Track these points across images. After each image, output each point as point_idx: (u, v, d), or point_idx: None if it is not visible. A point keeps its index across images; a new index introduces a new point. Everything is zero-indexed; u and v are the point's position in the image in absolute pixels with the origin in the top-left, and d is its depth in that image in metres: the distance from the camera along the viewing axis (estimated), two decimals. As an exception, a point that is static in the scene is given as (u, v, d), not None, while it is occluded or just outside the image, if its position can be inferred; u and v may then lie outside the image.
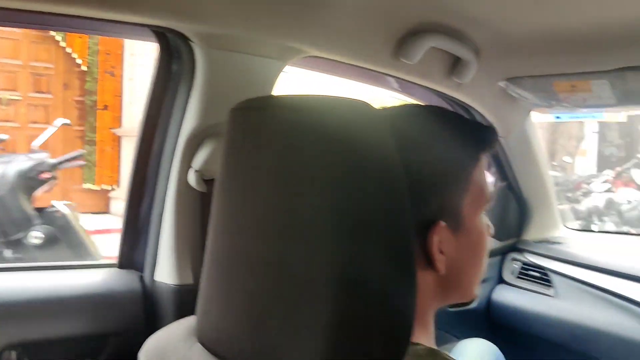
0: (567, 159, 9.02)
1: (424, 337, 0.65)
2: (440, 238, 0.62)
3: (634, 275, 1.61)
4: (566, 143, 10.35)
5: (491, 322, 1.83)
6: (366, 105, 0.51)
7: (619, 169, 7.06)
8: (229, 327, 0.54)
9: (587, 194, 6.20)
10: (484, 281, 1.83)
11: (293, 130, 0.50)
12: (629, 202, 5.85)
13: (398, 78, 1.24)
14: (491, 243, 1.92)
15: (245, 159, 0.55)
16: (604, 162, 9.57)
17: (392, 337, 0.48)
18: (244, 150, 0.55)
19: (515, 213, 1.95)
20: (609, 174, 6.88)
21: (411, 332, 0.50)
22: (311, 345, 0.46)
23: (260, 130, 0.54)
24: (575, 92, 1.34)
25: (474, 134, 0.68)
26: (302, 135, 0.50)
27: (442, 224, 0.61)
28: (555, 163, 8.97)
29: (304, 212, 0.48)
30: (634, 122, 9.64)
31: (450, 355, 0.63)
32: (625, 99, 1.33)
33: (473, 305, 1.78)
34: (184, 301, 0.93)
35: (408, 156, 0.59)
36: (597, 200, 5.80)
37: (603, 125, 10.07)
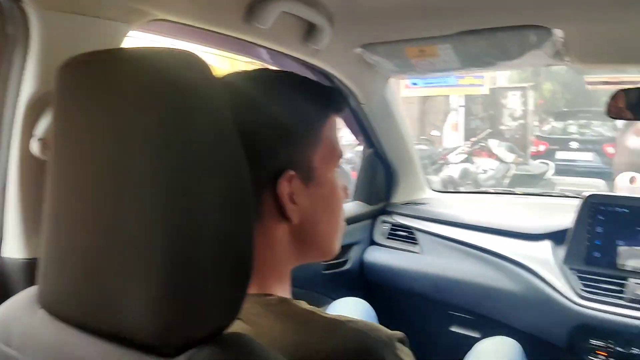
0: (435, 132, 9.64)
1: (280, 290, 0.69)
2: (292, 188, 0.67)
3: (487, 227, 1.80)
4: (434, 117, 11.07)
5: (365, 282, 1.95)
6: (198, 58, 0.51)
7: (473, 139, 7.65)
8: (67, 289, 0.55)
9: (447, 165, 6.63)
10: (357, 244, 1.94)
11: (121, 84, 0.50)
12: (485, 171, 6.38)
13: (253, 43, 1.26)
14: (362, 207, 2.04)
15: (75, 116, 0.54)
16: (470, 135, 10.36)
17: (228, 284, 0.50)
18: (73, 108, 0.55)
19: (383, 178, 2.08)
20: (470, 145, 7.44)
21: (248, 280, 0.52)
22: (145, 296, 0.47)
23: (88, 86, 0.53)
24: (424, 57, 1.45)
25: (321, 95, 0.74)
26: (131, 88, 0.49)
27: (291, 172, 0.66)
28: (424, 137, 9.54)
29: (136, 167, 0.49)
30: (495, 95, 10.51)
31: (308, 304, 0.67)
32: (468, 62, 1.47)
33: (346, 267, 1.89)
34: (35, 274, 0.90)
35: (251, 112, 0.64)
36: (453, 170, 6.22)
37: (469, 99, 10.87)
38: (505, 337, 1.46)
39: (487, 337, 1.47)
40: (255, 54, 1.46)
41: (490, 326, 1.63)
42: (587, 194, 1.60)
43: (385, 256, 1.95)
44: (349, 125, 1.93)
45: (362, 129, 1.90)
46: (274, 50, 1.33)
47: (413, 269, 1.86)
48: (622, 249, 1.50)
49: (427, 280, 1.83)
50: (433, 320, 1.87)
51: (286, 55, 1.40)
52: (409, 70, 1.56)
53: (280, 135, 0.67)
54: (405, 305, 1.88)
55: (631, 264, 1.47)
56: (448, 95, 11.01)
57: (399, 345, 0.65)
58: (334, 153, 0.73)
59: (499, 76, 13.85)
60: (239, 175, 0.51)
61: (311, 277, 1.74)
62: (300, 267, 0.73)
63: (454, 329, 1.86)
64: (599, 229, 1.55)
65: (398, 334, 0.67)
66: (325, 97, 0.74)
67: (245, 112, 0.64)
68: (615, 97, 1.39)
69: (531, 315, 1.60)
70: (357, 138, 2.01)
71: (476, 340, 1.47)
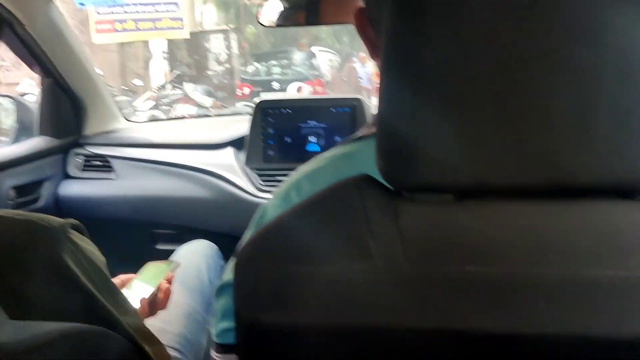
0: (137, 81, 9.40)
1: None
2: None
3: (178, 144, 1.96)
4: (135, 66, 10.79)
5: (62, 217, 1.93)
6: None
7: (159, 85, 7.74)
8: None
9: (134, 113, 6.61)
10: (47, 179, 1.91)
11: None
12: (183, 117, 6.63)
13: None
14: (49, 142, 1.97)
15: None
16: (179, 82, 10.41)
17: None
18: None
19: (70, 110, 2.04)
20: (176, 94, 7.52)
21: None
22: None
23: None
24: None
25: None
26: None
27: None
28: (125, 87, 9.26)
29: None
30: (198, 39, 10.68)
31: None
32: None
33: (39, 204, 1.85)
34: None
35: None
36: (139, 118, 6.31)
37: (172, 45, 10.82)
38: (201, 239, 1.63)
39: (189, 245, 1.63)
40: None
41: (192, 235, 1.77)
42: (257, 100, 1.86)
43: (80, 188, 1.96)
44: (19, 55, 1.83)
45: (35, 57, 1.82)
46: None
47: (110, 195, 1.93)
48: (290, 143, 1.80)
49: (125, 204, 1.91)
50: (137, 242, 1.97)
51: None
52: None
53: None
54: (108, 232, 1.93)
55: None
56: (148, 41, 10.77)
57: (72, 230, 0.71)
58: None
59: (205, 20, 14.12)
60: None
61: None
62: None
63: (159, 246, 1.98)
64: (270, 130, 1.82)
65: (72, 220, 0.73)
66: None
67: None
68: (264, 8, 1.62)
69: (223, 216, 1.82)
70: (31, 68, 1.93)
71: (181, 252, 1.61)
